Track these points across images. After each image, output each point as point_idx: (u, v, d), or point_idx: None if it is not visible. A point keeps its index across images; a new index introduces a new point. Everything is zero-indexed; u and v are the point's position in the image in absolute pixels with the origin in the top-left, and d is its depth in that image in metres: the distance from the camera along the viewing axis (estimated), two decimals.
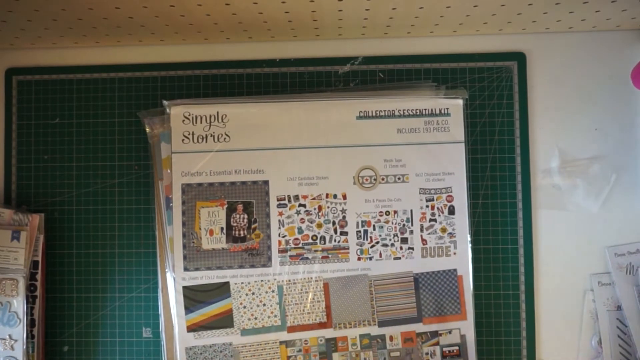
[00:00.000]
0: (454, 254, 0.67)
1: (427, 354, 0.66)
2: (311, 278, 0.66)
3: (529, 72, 0.73)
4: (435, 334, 0.67)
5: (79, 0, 0.60)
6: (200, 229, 0.65)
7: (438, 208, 0.67)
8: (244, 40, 0.74)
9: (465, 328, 0.67)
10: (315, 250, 0.66)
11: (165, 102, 0.66)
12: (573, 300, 0.72)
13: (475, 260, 0.71)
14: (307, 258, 0.66)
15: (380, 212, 0.66)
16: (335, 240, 0.66)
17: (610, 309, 0.71)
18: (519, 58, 0.73)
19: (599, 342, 0.71)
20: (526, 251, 0.72)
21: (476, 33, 0.73)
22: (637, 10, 0.66)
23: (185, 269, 0.65)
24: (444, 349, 0.67)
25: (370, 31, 0.72)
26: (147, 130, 0.69)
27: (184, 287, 0.65)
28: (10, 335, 0.69)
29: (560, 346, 0.71)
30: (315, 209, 0.66)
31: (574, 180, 0.72)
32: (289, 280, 0.66)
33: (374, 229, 0.66)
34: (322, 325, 0.66)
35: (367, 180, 0.66)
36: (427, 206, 0.67)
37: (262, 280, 0.66)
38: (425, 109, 0.67)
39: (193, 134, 0.66)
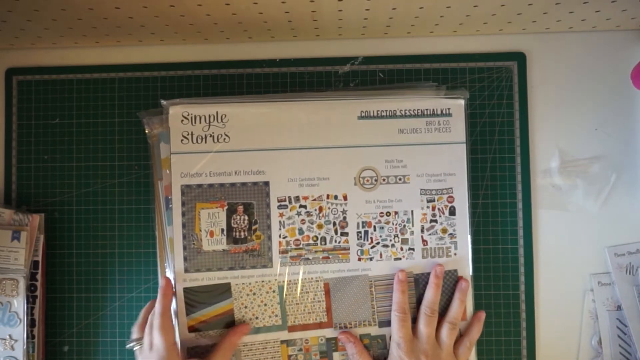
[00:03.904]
0: (455, 254, 0.67)
1: None
2: (312, 278, 0.66)
3: (529, 72, 0.73)
4: None
5: (79, 0, 0.59)
6: (200, 230, 0.65)
7: (439, 209, 0.67)
8: (244, 40, 0.74)
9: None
10: (316, 251, 0.66)
11: (163, 102, 0.66)
12: (573, 300, 0.72)
13: (475, 260, 0.71)
14: (308, 259, 0.66)
15: (381, 212, 0.66)
16: (335, 241, 0.66)
17: (610, 309, 0.71)
18: (519, 58, 0.73)
19: (599, 342, 0.71)
20: (526, 251, 0.72)
21: (476, 33, 0.73)
22: (637, 10, 0.66)
23: (186, 271, 0.65)
24: None
25: (370, 31, 0.72)
26: (146, 130, 0.69)
27: (185, 288, 0.65)
28: (10, 335, 0.69)
29: (560, 346, 0.72)
30: (315, 209, 0.66)
31: (574, 180, 0.72)
32: (290, 281, 0.66)
33: (375, 230, 0.66)
34: (322, 325, 0.66)
35: (367, 181, 0.66)
36: (428, 207, 0.67)
37: (262, 281, 0.66)
38: (427, 109, 0.67)
39: (192, 134, 0.66)
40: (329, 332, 0.66)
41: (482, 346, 0.71)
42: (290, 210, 0.66)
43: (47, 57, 0.76)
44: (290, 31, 0.71)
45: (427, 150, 0.67)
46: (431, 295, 0.65)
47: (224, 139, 0.66)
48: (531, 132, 0.73)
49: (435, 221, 0.67)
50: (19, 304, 0.69)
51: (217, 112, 0.66)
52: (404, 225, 0.67)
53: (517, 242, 0.72)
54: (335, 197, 0.66)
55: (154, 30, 0.69)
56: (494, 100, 0.73)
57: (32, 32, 0.70)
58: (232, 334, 0.64)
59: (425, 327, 0.63)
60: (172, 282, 0.64)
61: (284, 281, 0.66)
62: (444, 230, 0.67)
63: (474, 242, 0.71)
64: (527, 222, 0.72)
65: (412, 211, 0.67)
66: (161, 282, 0.64)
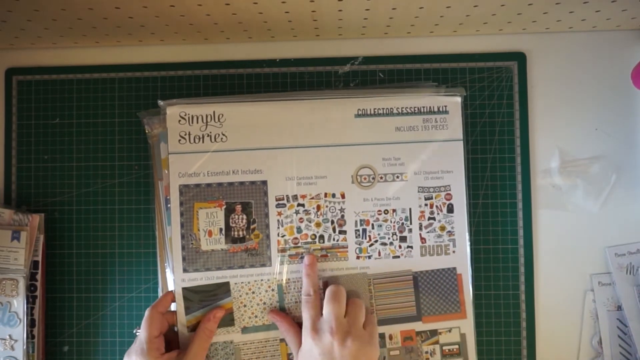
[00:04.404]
0: (453, 252, 0.67)
1: (426, 352, 0.66)
2: None
3: (529, 72, 0.73)
4: (434, 332, 0.67)
5: (79, 0, 0.60)
6: (198, 230, 0.65)
7: (437, 206, 0.67)
8: (244, 40, 0.74)
9: (465, 326, 0.66)
10: (314, 249, 0.66)
11: (160, 102, 0.66)
12: (573, 300, 0.72)
13: (475, 260, 0.71)
14: None
15: (379, 210, 0.66)
16: (334, 239, 0.66)
17: (611, 309, 0.71)
18: (519, 58, 0.73)
19: (599, 342, 0.71)
20: (526, 251, 0.71)
21: (476, 33, 0.73)
22: (637, 10, 0.66)
23: (185, 270, 0.65)
24: (444, 348, 0.66)
25: (370, 31, 0.72)
26: (146, 130, 0.69)
27: (184, 289, 0.65)
28: (10, 336, 0.69)
29: (560, 346, 0.71)
30: (314, 208, 0.66)
31: (574, 180, 0.72)
32: (289, 279, 0.66)
33: (373, 228, 0.66)
34: None
35: (365, 179, 0.66)
36: (426, 204, 0.67)
37: (261, 280, 0.65)
38: (423, 107, 0.67)
39: (189, 134, 0.66)
40: None
41: (482, 346, 0.71)
42: (289, 208, 0.66)
43: (47, 57, 0.76)
44: (290, 31, 0.71)
45: (424, 147, 0.67)
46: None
47: (222, 138, 0.66)
48: (531, 132, 0.73)
49: (434, 219, 0.67)
50: (19, 304, 0.69)
51: (214, 112, 0.66)
52: (402, 223, 0.67)
53: (517, 242, 0.72)
54: (333, 196, 0.66)
55: (154, 30, 0.70)
56: (494, 100, 0.73)
57: (32, 32, 0.70)
58: (205, 321, 0.63)
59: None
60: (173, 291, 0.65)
61: (282, 280, 0.66)
62: (442, 228, 0.67)
63: (474, 242, 0.71)
64: (527, 222, 0.72)
65: (410, 209, 0.67)
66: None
